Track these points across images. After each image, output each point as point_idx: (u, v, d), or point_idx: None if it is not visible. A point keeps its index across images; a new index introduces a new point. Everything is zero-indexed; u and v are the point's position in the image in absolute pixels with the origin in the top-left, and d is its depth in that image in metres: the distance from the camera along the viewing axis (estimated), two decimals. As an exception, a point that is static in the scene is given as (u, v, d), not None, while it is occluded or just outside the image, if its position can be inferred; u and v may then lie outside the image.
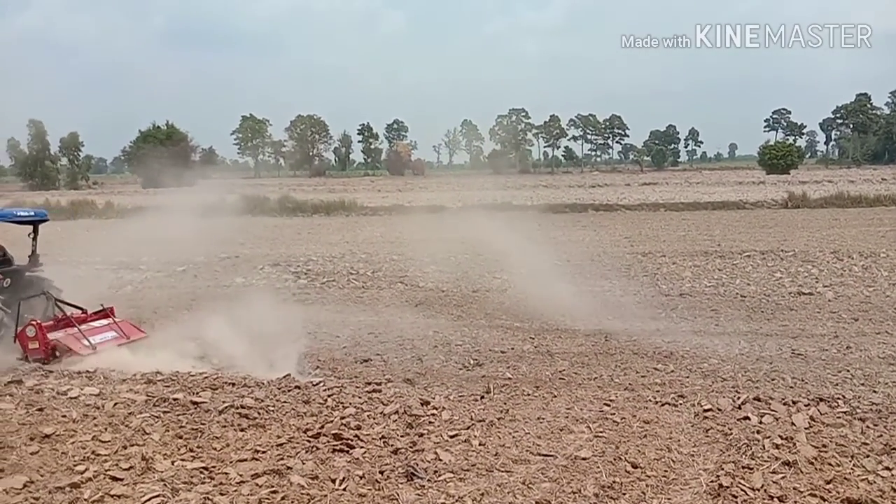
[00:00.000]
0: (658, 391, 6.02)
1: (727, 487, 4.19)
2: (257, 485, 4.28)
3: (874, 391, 5.88)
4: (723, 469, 4.43)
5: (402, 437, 5.03)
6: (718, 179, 52.81)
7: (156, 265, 14.36)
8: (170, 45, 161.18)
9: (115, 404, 5.59)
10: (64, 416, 5.30)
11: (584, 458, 4.66)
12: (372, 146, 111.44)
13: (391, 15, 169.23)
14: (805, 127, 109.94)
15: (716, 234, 18.55)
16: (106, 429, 5.09)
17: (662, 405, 5.68)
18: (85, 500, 4.06)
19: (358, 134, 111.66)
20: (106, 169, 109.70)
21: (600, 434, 5.09)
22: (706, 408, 5.52)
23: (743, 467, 4.44)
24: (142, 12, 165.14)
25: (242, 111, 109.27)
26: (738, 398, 5.68)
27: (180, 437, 4.98)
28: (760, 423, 5.17)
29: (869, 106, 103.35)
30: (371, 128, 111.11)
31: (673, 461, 4.64)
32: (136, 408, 5.52)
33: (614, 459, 4.64)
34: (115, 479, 4.32)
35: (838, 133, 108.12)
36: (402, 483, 4.34)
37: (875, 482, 4.21)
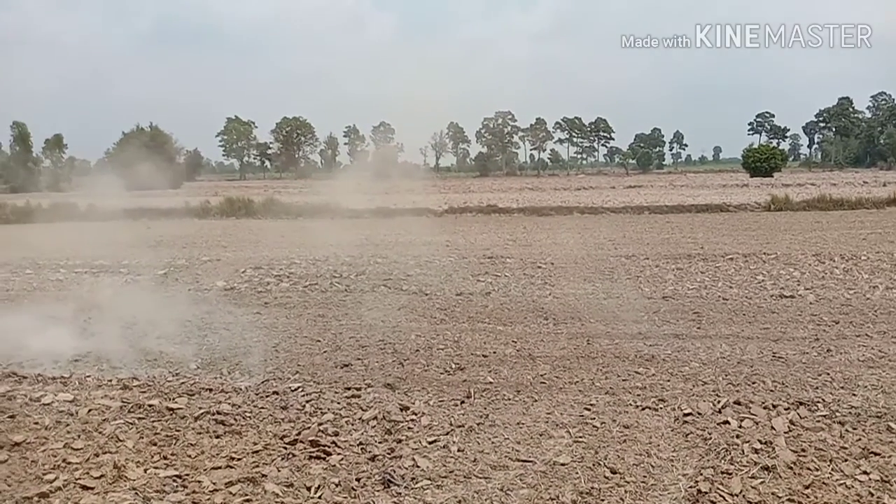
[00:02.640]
0: (639, 395, 6.00)
1: (706, 493, 4.18)
2: (231, 493, 4.21)
3: (853, 394, 5.88)
4: (702, 474, 4.42)
5: (380, 443, 4.98)
6: (702, 182, 53.04)
7: (136, 268, 14.20)
8: (154, 46, 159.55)
9: (90, 411, 5.51)
10: (36, 424, 5.22)
11: (562, 464, 4.64)
12: (358, 148, 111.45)
13: (379, 17, 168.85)
14: (788, 130, 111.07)
15: (699, 236, 18.60)
16: (79, 436, 5.01)
17: (643, 409, 5.67)
18: (53, 510, 3.99)
19: (344, 136, 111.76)
20: (90, 171, 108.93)
21: (580, 439, 5.06)
22: (686, 412, 5.52)
23: (722, 472, 4.43)
24: (125, 13, 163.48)
25: (228, 113, 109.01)
26: (719, 402, 5.68)
27: (154, 444, 4.91)
28: (740, 427, 5.17)
29: (851, 110, 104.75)
30: (357, 130, 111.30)
31: (652, 466, 4.62)
32: (111, 414, 5.45)
33: (593, 465, 4.62)
34: (85, 487, 4.24)
35: (821, 136, 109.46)
36: (378, 490, 4.29)
37: (853, 486, 4.21)
